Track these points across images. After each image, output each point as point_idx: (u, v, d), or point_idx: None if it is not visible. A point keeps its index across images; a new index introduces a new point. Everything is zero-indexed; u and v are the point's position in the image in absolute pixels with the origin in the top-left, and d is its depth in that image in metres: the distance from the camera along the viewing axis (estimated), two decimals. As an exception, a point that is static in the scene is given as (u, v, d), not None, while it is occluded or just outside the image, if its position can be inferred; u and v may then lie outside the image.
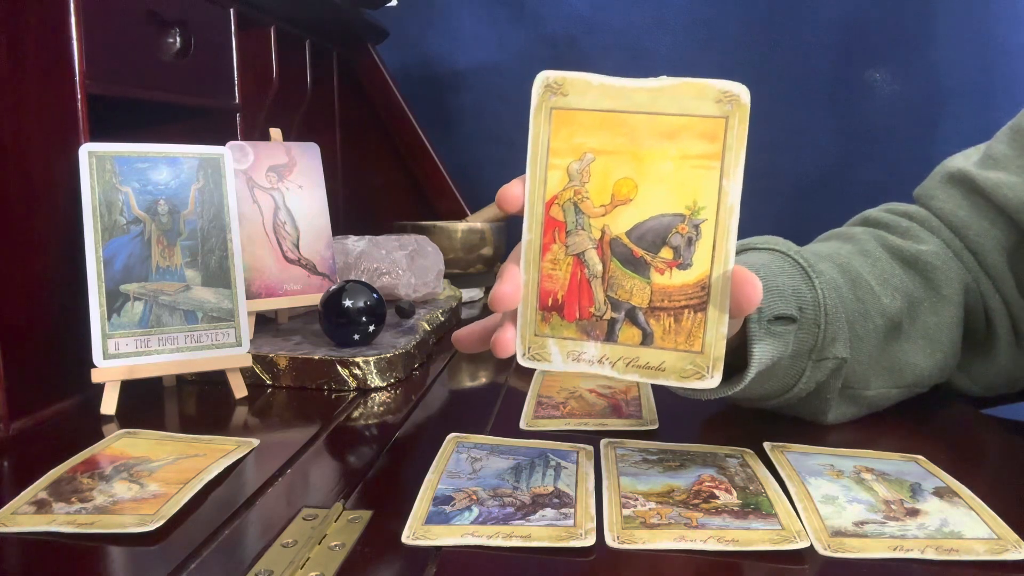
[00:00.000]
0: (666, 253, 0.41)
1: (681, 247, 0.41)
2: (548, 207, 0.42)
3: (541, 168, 0.42)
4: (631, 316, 0.42)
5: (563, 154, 0.42)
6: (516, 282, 0.42)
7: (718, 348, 0.41)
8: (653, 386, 0.63)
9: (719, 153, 0.40)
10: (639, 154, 0.41)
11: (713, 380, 0.41)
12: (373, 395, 0.67)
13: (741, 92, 0.40)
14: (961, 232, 0.64)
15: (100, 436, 0.55)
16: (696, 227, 0.41)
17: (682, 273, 0.41)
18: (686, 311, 0.41)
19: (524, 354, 0.43)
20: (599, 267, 0.42)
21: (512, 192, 0.42)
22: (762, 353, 0.49)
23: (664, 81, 0.41)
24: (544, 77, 0.42)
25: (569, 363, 0.43)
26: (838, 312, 0.54)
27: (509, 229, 1.13)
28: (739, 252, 0.58)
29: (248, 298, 0.71)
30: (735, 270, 0.40)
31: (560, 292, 0.42)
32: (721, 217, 0.40)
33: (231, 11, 0.84)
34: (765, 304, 0.50)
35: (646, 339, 0.42)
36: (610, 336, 0.42)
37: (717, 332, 0.41)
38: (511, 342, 0.43)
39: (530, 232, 0.42)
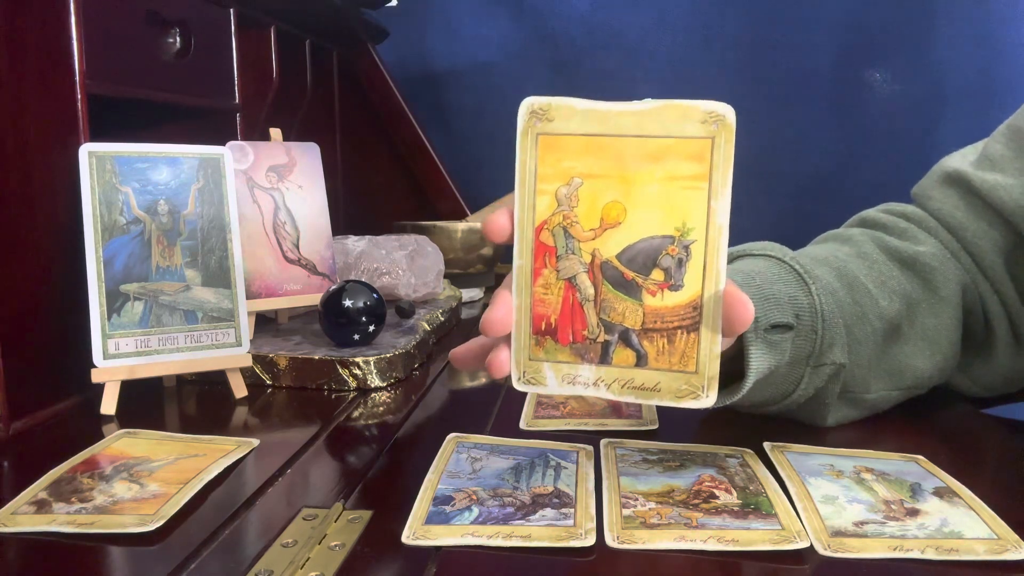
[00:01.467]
0: (657, 275, 0.41)
1: (672, 268, 0.41)
2: (538, 232, 0.42)
3: (529, 194, 0.42)
4: (624, 338, 0.42)
5: (551, 179, 0.42)
6: (507, 307, 0.42)
7: (712, 367, 0.41)
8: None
9: (706, 174, 0.40)
10: (626, 177, 0.41)
11: (708, 399, 0.41)
12: (373, 395, 0.67)
13: (726, 112, 0.40)
14: (959, 233, 0.64)
15: (100, 436, 0.55)
16: (686, 248, 0.41)
17: (674, 294, 0.41)
18: (679, 332, 0.41)
19: (519, 378, 0.43)
20: (591, 290, 0.42)
21: (498, 223, 0.42)
22: (759, 362, 0.49)
23: (649, 104, 0.41)
24: (529, 104, 0.42)
25: (564, 386, 0.43)
26: (835, 317, 0.54)
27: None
28: (735, 259, 0.58)
29: (248, 298, 0.71)
30: (727, 290, 0.41)
31: (553, 316, 0.42)
32: (711, 237, 0.41)
33: (231, 11, 0.84)
34: (761, 312, 0.50)
35: (640, 360, 0.42)
36: (604, 358, 0.42)
37: (711, 352, 0.41)
38: (506, 363, 0.43)
39: (521, 258, 0.42)
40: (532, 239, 0.42)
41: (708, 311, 0.41)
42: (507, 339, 0.43)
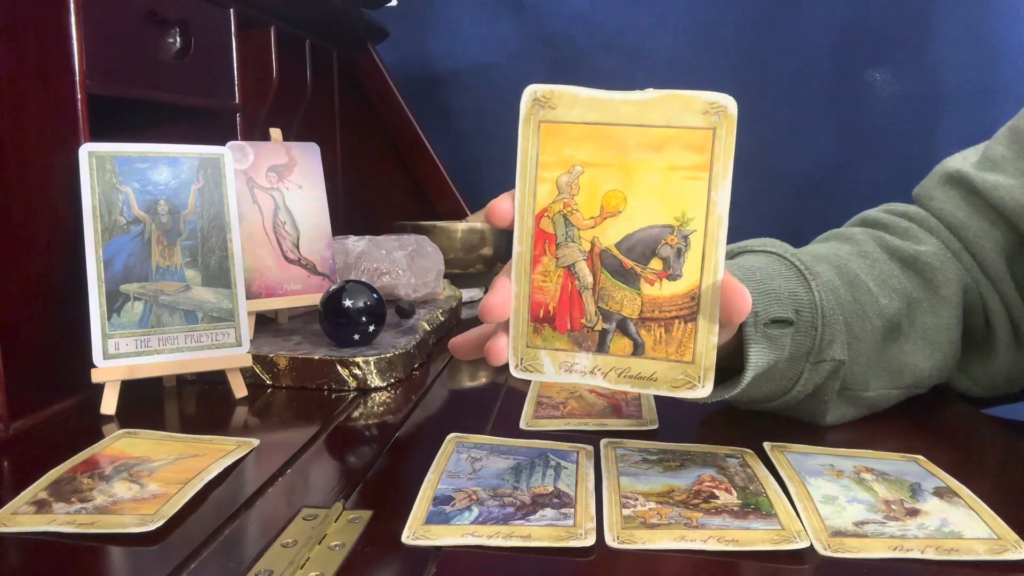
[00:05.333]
0: (656, 264, 0.41)
1: (670, 258, 0.41)
2: (538, 220, 0.42)
3: (530, 181, 0.42)
4: (622, 327, 0.42)
5: (552, 167, 0.42)
6: (506, 293, 0.43)
7: (708, 358, 0.41)
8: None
9: (707, 164, 0.40)
10: (627, 166, 0.41)
11: (704, 390, 0.41)
12: (373, 395, 0.67)
13: (728, 103, 0.40)
14: (960, 233, 0.64)
15: (100, 436, 0.55)
16: (685, 238, 0.41)
17: (672, 284, 0.41)
18: (676, 322, 0.41)
19: (517, 365, 0.43)
20: (589, 278, 0.42)
21: (501, 207, 0.43)
22: (758, 357, 0.49)
23: (651, 93, 0.41)
24: (532, 91, 0.42)
25: (561, 374, 0.43)
26: (835, 314, 0.54)
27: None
28: (735, 255, 0.58)
29: (248, 298, 0.71)
30: (725, 281, 0.41)
31: (551, 304, 0.42)
32: (710, 228, 0.41)
33: (231, 11, 0.84)
34: (762, 307, 0.50)
35: (637, 350, 0.42)
36: (601, 347, 0.42)
37: (707, 342, 0.41)
38: (503, 350, 0.43)
39: (520, 245, 0.42)
40: (532, 226, 0.42)
41: (706, 301, 0.41)
42: (505, 326, 0.43)
